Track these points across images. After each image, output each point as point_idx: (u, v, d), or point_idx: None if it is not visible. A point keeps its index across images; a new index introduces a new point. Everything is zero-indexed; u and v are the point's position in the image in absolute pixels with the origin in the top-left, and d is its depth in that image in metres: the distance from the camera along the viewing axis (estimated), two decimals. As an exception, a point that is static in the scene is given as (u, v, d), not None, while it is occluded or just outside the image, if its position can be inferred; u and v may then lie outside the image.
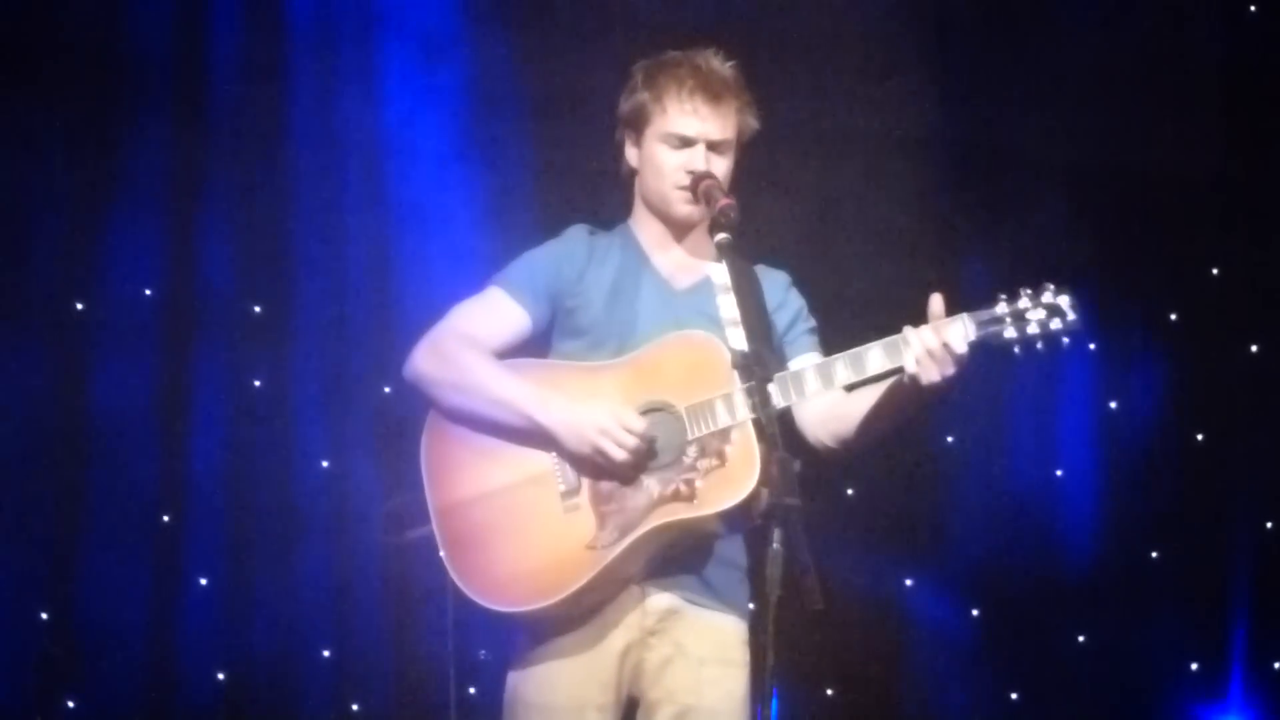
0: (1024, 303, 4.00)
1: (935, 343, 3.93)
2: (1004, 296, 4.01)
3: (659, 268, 4.38)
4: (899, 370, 4.00)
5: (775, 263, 4.45)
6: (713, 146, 4.28)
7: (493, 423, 4.20)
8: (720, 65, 4.34)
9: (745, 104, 4.34)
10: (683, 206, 4.30)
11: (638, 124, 4.35)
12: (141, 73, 6.38)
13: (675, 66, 4.33)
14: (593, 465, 4.13)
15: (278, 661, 6.46)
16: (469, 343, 4.26)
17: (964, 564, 7.02)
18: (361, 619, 6.50)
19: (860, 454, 4.28)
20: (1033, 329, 3.99)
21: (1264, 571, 7.26)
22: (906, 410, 4.11)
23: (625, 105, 4.39)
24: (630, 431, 4.09)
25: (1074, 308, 4.00)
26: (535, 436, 4.17)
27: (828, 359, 4.14)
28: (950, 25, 7.09)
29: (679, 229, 4.37)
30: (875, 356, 4.05)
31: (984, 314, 4.00)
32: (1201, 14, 7.31)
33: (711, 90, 4.28)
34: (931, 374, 3.94)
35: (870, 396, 4.15)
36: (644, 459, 4.11)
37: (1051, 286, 4.01)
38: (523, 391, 4.18)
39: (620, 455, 4.09)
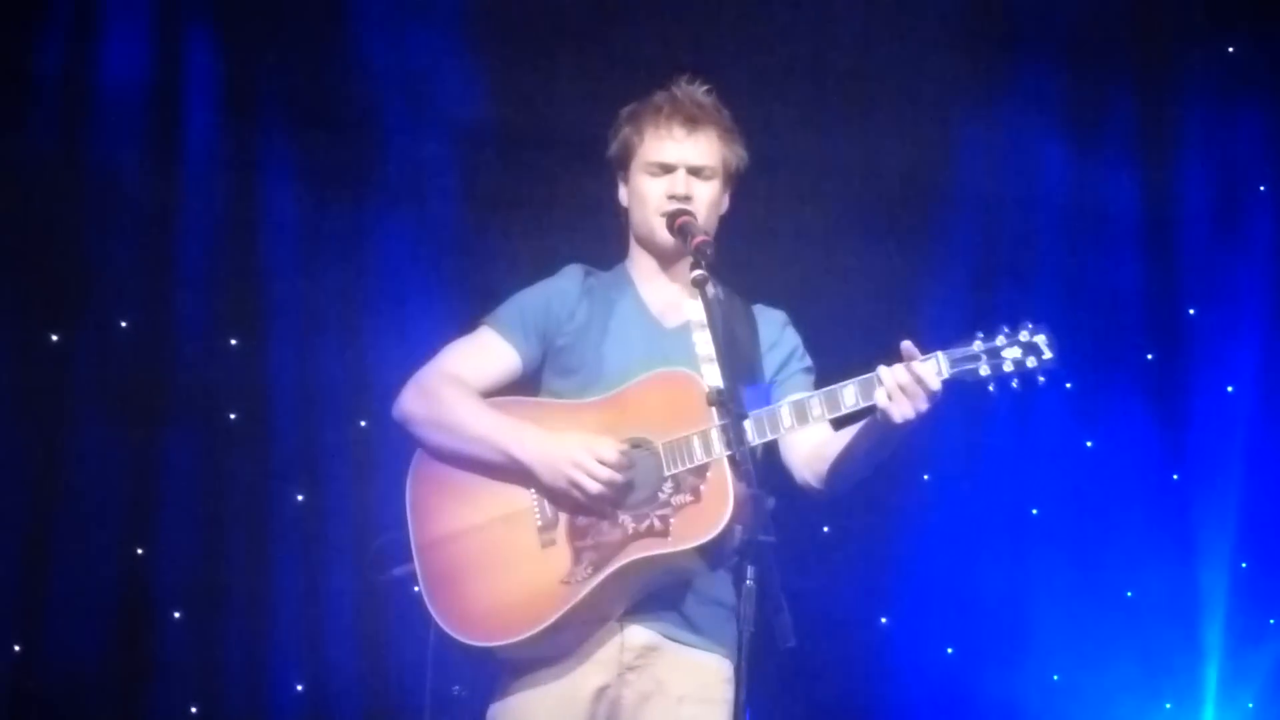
0: (1000, 340, 3.99)
1: (907, 378, 3.93)
2: (980, 334, 4.01)
3: (650, 306, 4.38)
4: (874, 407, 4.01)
5: (774, 302, 4.45)
6: (694, 171, 4.28)
7: (474, 460, 4.19)
8: (696, 92, 4.35)
9: (727, 132, 4.34)
10: (666, 233, 4.28)
11: (624, 160, 4.37)
12: (117, 105, 6.38)
13: (653, 100, 4.36)
14: (569, 499, 4.13)
15: (251, 696, 6.44)
16: (453, 381, 4.25)
17: (939, 602, 7.02)
18: (334, 654, 6.48)
19: (843, 493, 4.27)
20: (1008, 367, 3.97)
21: (1238, 611, 7.26)
22: (881, 447, 4.10)
23: (612, 146, 4.40)
24: (604, 462, 4.08)
25: (1050, 346, 3.98)
26: (514, 473, 4.17)
27: (802, 396, 4.13)
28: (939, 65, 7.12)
29: (668, 260, 4.36)
30: (849, 393, 4.05)
31: (958, 351, 3.99)
32: (1181, 54, 7.35)
33: (687, 115, 4.30)
34: (904, 409, 3.93)
35: (849, 436, 4.16)
36: (620, 491, 4.10)
37: (1029, 325, 3.99)
38: (499, 427, 4.17)
39: (594, 487, 4.08)
